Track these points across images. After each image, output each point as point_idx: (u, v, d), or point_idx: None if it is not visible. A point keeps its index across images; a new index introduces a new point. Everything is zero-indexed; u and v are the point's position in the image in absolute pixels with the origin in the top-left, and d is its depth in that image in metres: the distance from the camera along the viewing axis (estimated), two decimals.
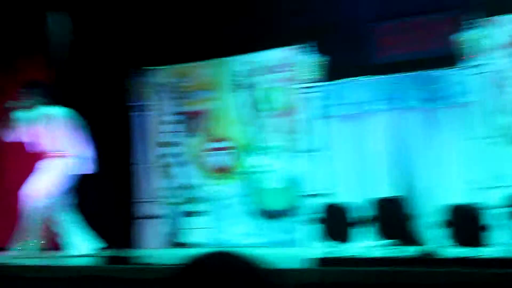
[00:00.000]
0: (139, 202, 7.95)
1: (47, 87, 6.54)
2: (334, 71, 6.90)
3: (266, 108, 7.34)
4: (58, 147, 6.35)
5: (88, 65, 7.69)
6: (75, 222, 6.58)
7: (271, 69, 7.30)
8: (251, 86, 7.42)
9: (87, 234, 6.58)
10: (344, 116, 6.89)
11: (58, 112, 6.40)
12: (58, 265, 5.73)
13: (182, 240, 7.68)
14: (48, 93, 6.50)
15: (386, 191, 6.54)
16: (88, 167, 6.51)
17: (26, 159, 6.96)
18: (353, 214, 6.49)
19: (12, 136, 6.40)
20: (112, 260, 6.31)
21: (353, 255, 5.39)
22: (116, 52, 7.69)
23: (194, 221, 7.68)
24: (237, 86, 7.49)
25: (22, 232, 6.26)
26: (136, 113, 8.01)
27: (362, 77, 6.78)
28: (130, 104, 7.95)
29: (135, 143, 7.92)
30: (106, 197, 7.62)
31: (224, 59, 7.49)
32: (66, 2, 7.55)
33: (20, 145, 6.72)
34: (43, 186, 6.32)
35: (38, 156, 6.69)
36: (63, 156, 6.32)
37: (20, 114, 6.31)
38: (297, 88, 7.08)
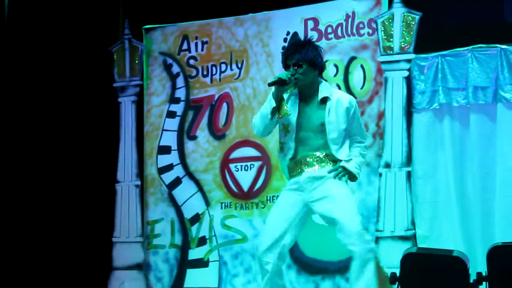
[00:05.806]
0: (120, 242, 6.44)
1: None
2: (442, 36, 5.56)
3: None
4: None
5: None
6: None
7: (335, 31, 5.79)
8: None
9: None
10: (456, 109, 5.44)
11: None
12: None
13: None
14: None
15: None
16: None
17: None
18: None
19: None
20: None
21: None
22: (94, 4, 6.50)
23: (200, 275, 6.06)
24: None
25: None
26: (124, 98, 6.54)
27: (491, 45, 5.38)
28: (116, 85, 6.55)
29: (122, 147, 6.51)
30: (72, 232, 6.36)
31: (264, 13, 6.05)
32: None
33: None
34: None
35: None
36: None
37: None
38: (377, 63, 5.64)
